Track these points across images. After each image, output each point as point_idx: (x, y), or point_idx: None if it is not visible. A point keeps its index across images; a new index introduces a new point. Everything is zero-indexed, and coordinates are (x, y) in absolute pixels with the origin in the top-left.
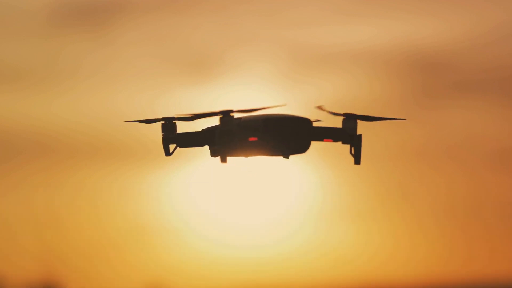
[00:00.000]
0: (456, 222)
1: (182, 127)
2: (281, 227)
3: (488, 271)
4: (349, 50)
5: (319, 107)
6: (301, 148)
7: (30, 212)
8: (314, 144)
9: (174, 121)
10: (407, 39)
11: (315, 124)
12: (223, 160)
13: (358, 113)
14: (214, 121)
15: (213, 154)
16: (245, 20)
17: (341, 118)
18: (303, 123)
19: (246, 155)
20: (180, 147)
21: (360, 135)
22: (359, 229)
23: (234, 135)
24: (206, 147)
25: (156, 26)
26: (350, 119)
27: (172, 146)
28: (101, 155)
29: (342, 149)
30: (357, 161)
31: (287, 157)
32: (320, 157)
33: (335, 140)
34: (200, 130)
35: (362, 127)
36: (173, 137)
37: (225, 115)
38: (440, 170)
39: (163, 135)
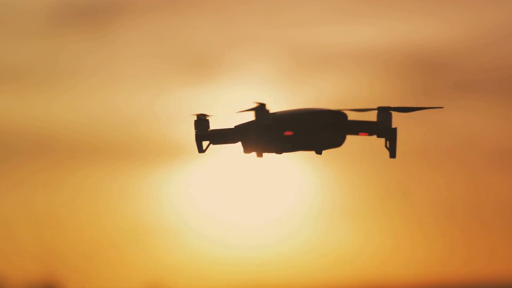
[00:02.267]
0: (456, 222)
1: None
2: (281, 227)
3: (488, 271)
4: (349, 50)
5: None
6: (336, 142)
7: (30, 212)
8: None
9: (207, 118)
10: (407, 39)
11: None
12: (259, 155)
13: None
14: (247, 117)
15: (247, 150)
16: (245, 20)
17: (375, 112)
18: (338, 117)
19: (280, 152)
20: (213, 144)
21: (395, 128)
22: (359, 229)
23: (270, 129)
24: (239, 143)
25: (156, 26)
26: (384, 112)
27: (205, 143)
28: (101, 155)
29: (343, 149)
30: (393, 154)
31: (320, 153)
32: (320, 157)
33: (370, 134)
34: (233, 127)
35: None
36: (206, 134)
37: (261, 109)
38: (440, 170)
39: (196, 132)
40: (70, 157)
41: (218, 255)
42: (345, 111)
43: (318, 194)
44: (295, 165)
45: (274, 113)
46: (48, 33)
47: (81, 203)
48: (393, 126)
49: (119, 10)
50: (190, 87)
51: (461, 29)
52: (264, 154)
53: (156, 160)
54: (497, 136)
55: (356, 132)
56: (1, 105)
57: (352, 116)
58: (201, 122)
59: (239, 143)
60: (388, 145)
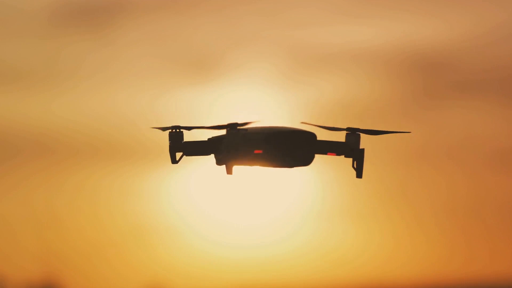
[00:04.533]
0: (456, 222)
1: (188, 136)
2: (281, 227)
3: (488, 271)
4: (349, 50)
5: (304, 123)
6: (305, 161)
7: (30, 212)
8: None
9: (181, 130)
10: (407, 39)
11: (318, 138)
12: (229, 172)
13: (357, 119)
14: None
15: (218, 163)
16: (245, 21)
17: (344, 132)
18: (307, 137)
19: (251, 165)
20: (186, 156)
21: (363, 149)
22: (359, 229)
23: (239, 148)
24: (212, 155)
25: (157, 26)
26: (353, 134)
27: (178, 154)
28: (101, 155)
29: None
30: (359, 174)
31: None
32: (320, 157)
33: (338, 154)
34: (207, 139)
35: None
36: (179, 145)
37: (231, 128)
38: (440, 170)
39: (170, 143)
40: (70, 157)
41: (218, 255)
42: (316, 126)
43: (318, 194)
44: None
45: (245, 130)
46: (48, 33)
47: (81, 203)
48: (362, 146)
49: (120, 10)
50: (190, 87)
51: (461, 29)
52: (237, 168)
53: (156, 160)
54: (497, 136)
55: (324, 152)
56: (1, 105)
57: (321, 136)
58: (175, 134)
59: (212, 156)
60: (355, 166)
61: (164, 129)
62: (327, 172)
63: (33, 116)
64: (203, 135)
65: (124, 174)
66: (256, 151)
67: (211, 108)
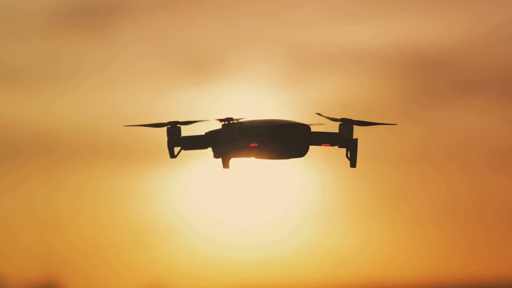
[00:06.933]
0: (456, 222)
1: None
2: (281, 227)
3: (488, 271)
4: (349, 50)
5: (318, 114)
6: (300, 152)
7: (30, 212)
8: (314, 146)
9: (178, 126)
10: (407, 39)
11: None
12: (225, 165)
13: (356, 116)
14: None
15: (216, 155)
16: (245, 21)
17: (338, 123)
18: (302, 129)
19: (248, 157)
20: (184, 150)
21: (356, 139)
22: (359, 229)
23: (236, 141)
24: (209, 149)
25: (157, 27)
26: (347, 124)
27: (176, 149)
28: (101, 155)
29: (342, 150)
30: (353, 164)
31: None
32: (320, 157)
33: (332, 145)
34: (204, 134)
35: (361, 129)
36: (177, 140)
37: (227, 122)
38: (440, 170)
39: (168, 139)
40: (70, 157)
41: (218, 255)
42: (329, 118)
43: (318, 194)
44: (296, 166)
45: (241, 124)
46: (48, 33)
47: (81, 203)
48: (357, 136)
49: (120, 10)
50: (190, 87)
51: (461, 29)
52: (239, 159)
53: (156, 160)
54: (497, 136)
55: (318, 143)
56: (1, 105)
57: (315, 127)
58: (173, 129)
59: (211, 156)
60: (349, 155)
61: (156, 125)
62: (328, 172)
63: (33, 116)
64: (201, 130)
65: (124, 174)
66: (252, 144)
67: (211, 108)
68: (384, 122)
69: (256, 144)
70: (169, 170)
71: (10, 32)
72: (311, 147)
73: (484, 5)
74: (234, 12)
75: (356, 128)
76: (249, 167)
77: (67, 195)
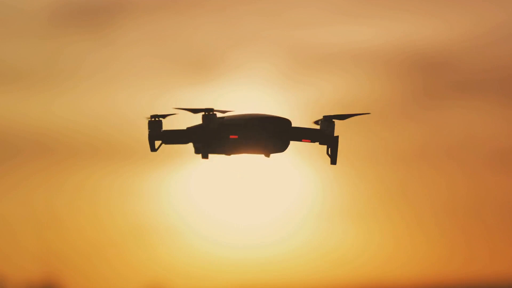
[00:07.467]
0: (456, 222)
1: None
2: (281, 227)
3: (488, 271)
4: (349, 50)
5: (315, 123)
6: (280, 147)
7: (30, 212)
8: (315, 145)
9: (160, 119)
10: (407, 39)
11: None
12: (205, 156)
13: (361, 125)
14: (199, 120)
15: (197, 151)
16: (245, 21)
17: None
18: (283, 123)
19: (228, 153)
20: (165, 144)
21: (337, 137)
22: (359, 229)
23: (216, 133)
24: (190, 144)
25: (157, 27)
26: (327, 121)
27: (157, 143)
28: (101, 155)
29: (341, 150)
30: (333, 161)
31: (268, 156)
32: (320, 157)
33: (313, 141)
34: (185, 128)
35: (362, 129)
36: (158, 134)
37: (208, 113)
38: (440, 170)
39: (149, 132)
40: (70, 157)
41: (218, 255)
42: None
43: (318, 194)
44: (296, 166)
45: (222, 118)
46: (48, 33)
47: (81, 203)
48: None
49: (120, 10)
50: (190, 87)
51: (461, 29)
52: (214, 156)
53: (156, 160)
54: (497, 136)
55: (299, 139)
56: (1, 105)
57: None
58: (155, 123)
59: (191, 144)
60: (329, 153)
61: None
62: (328, 172)
63: (33, 116)
64: (183, 125)
65: (124, 174)
66: (232, 136)
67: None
68: (356, 113)
69: (236, 136)
70: (169, 170)
71: (10, 32)
72: (308, 145)
73: (484, 5)
74: (234, 12)
75: (356, 128)
76: (249, 167)
77: (67, 195)
